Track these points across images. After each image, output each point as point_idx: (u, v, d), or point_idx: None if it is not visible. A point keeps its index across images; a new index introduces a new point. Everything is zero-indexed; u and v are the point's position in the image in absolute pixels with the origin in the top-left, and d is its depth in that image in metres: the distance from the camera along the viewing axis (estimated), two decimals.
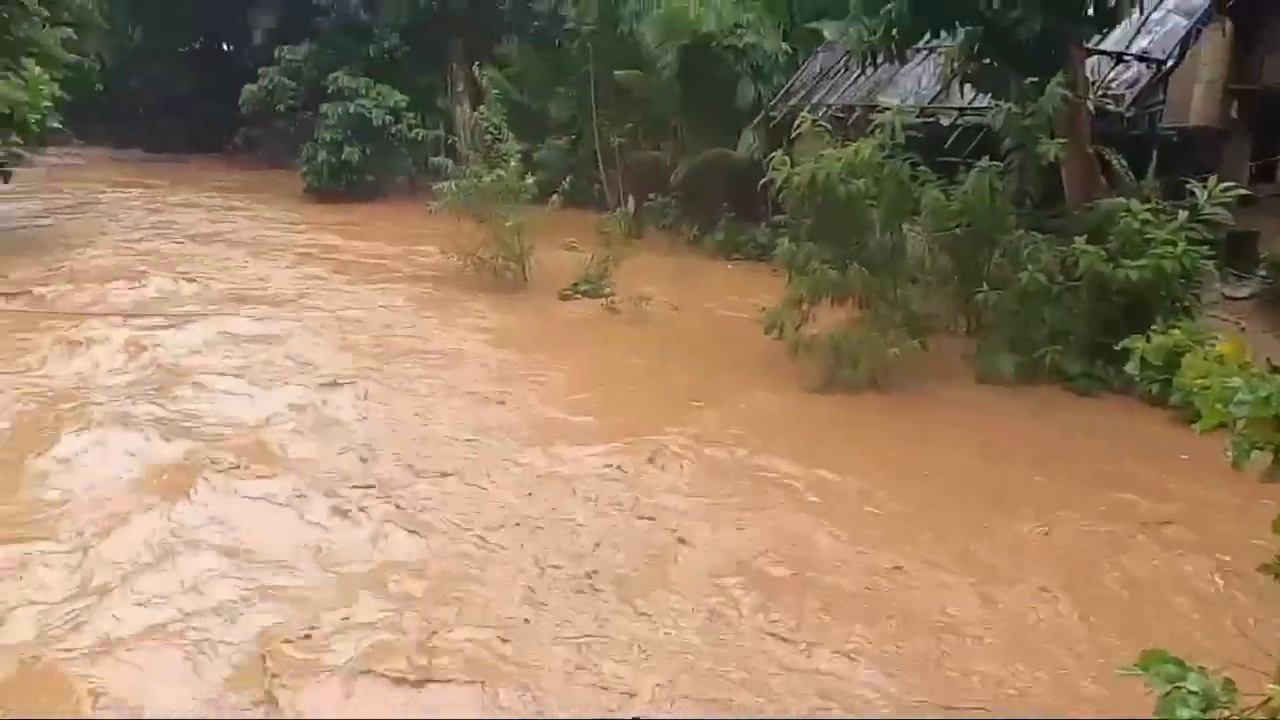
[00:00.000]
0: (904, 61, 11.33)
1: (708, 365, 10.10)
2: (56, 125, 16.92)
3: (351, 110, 21.11)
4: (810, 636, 5.14)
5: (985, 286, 9.34)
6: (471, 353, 10.60)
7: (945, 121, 12.58)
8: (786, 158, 9.52)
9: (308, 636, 4.97)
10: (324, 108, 21.42)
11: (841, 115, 13.95)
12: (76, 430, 7.53)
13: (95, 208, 20.79)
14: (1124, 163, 10.54)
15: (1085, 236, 8.86)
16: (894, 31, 10.05)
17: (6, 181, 17.11)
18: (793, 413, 8.70)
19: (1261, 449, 2.89)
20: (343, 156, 21.16)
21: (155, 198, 21.92)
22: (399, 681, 4.67)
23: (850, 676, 4.82)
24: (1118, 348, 4.07)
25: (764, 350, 9.85)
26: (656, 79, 16.89)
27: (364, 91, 21.30)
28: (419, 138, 20.83)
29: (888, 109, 10.60)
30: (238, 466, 6.99)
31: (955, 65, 11.05)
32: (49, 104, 16.34)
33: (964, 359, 9.71)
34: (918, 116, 12.26)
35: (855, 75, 14.26)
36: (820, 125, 9.88)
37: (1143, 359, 3.79)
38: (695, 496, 6.86)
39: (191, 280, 13.48)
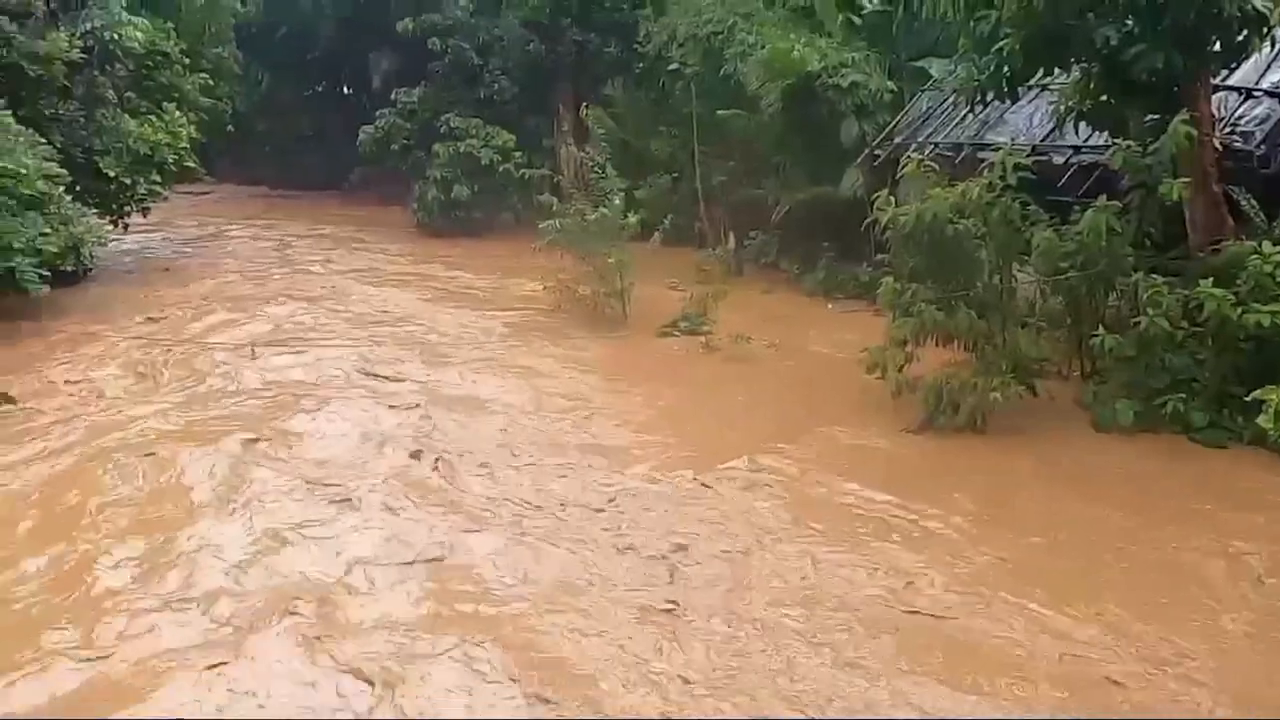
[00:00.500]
0: (1015, 100, 11.07)
1: (805, 402, 10.04)
2: (191, 164, 18.09)
3: (461, 150, 21.88)
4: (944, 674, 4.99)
5: (1101, 330, 8.96)
6: (564, 379, 10.93)
7: (1058, 160, 12.19)
8: (891, 197, 9.41)
9: None
10: (436, 147, 22.28)
11: (949, 154, 13.69)
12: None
13: (225, 240, 22.10)
14: (1254, 203, 9.99)
15: (1211, 279, 8.43)
16: (1005, 70, 9.86)
17: (145, 216, 18.36)
18: (891, 451, 8.59)
19: None
20: (452, 194, 21.92)
21: (279, 231, 23.18)
22: None
23: None
24: (1248, 399, 3.84)
25: (864, 390, 9.69)
26: (759, 118, 16.97)
27: (474, 132, 22.06)
28: (525, 176, 21.38)
29: (997, 148, 10.40)
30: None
31: (1070, 103, 10.73)
32: (185, 145, 17.49)
33: (1078, 405, 9.33)
34: (1029, 155, 11.95)
35: (963, 114, 13.99)
36: (927, 164, 9.73)
37: (1277, 412, 3.60)
38: (789, 526, 6.84)
39: (317, 305, 14.24)
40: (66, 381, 10.83)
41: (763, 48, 16.21)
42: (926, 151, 13.30)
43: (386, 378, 11.08)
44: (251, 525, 7.01)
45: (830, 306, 14.96)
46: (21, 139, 12.03)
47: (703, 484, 7.77)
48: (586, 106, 20.79)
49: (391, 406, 9.89)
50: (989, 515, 7.23)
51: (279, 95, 29.91)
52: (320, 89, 31.96)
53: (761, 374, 11.35)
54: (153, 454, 8.35)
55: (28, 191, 11.87)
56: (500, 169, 21.79)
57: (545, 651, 5.38)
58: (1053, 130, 12.67)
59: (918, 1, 10.32)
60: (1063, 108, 11.35)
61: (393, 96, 24.03)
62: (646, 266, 14.50)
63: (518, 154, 22.07)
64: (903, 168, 9.91)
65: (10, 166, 11.55)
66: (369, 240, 21.82)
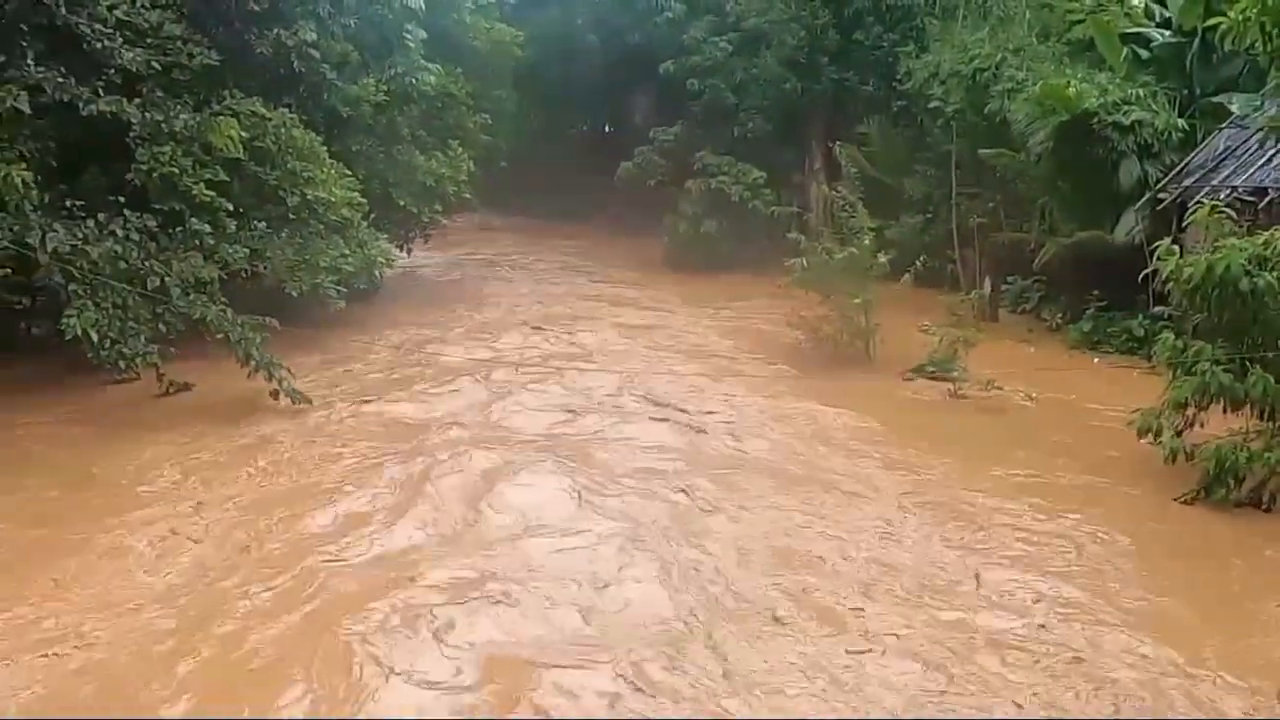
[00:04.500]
0: None
1: (1064, 461, 9.27)
2: (468, 196, 19.79)
3: (712, 186, 22.38)
4: None
5: None
6: (799, 415, 10.91)
7: None
8: (1176, 245, 8.59)
9: None
10: (688, 183, 22.93)
11: (1250, 199, 12.32)
12: None
13: (494, 265, 23.98)
14: None
15: None
16: None
17: (426, 241, 20.26)
18: (1157, 522, 7.83)
19: None
20: (701, 229, 22.45)
21: (542, 260, 24.81)
22: None
23: None
24: None
25: (1132, 453, 8.86)
26: (1025, 158, 16.09)
27: (725, 169, 22.51)
28: (774, 213, 21.49)
29: None
30: None
31: None
32: (464, 178, 19.15)
33: None
34: None
35: (1271, 154, 12.54)
36: (1221, 210, 8.79)
37: None
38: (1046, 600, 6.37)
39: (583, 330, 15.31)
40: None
41: (1034, 84, 15.39)
42: (1222, 196, 12.03)
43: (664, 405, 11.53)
44: None
45: (1096, 360, 13.82)
46: (333, 171, 13.65)
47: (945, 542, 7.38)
48: (839, 144, 20.63)
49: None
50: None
51: (548, 133, 31.99)
52: (585, 127, 33.87)
53: (1014, 427, 10.66)
54: None
55: (334, 218, 13.44)
56: (750, 205, 22.05)
57: None
58: None
59: (1220, 31, 9.38)
60: None
61: (651, 134, 25.02)
62: (895, 308, 14.08)
63: (767, 191, 22.25)
64: (1192, 212, 9.02)
65: (323, 195, 13.13)
66: (619, 273, 22.77)
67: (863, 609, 6.22)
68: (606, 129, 34.13)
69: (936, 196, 19.42)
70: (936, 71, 18.23)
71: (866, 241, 13.55)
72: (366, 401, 11.46)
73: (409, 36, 17.14)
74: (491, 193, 29.56)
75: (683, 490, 8.41)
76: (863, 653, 5.66)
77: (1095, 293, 14.82)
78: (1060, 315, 15.58)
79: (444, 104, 19.16)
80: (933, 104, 18.37)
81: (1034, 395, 11.66)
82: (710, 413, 11.08)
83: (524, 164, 31.99)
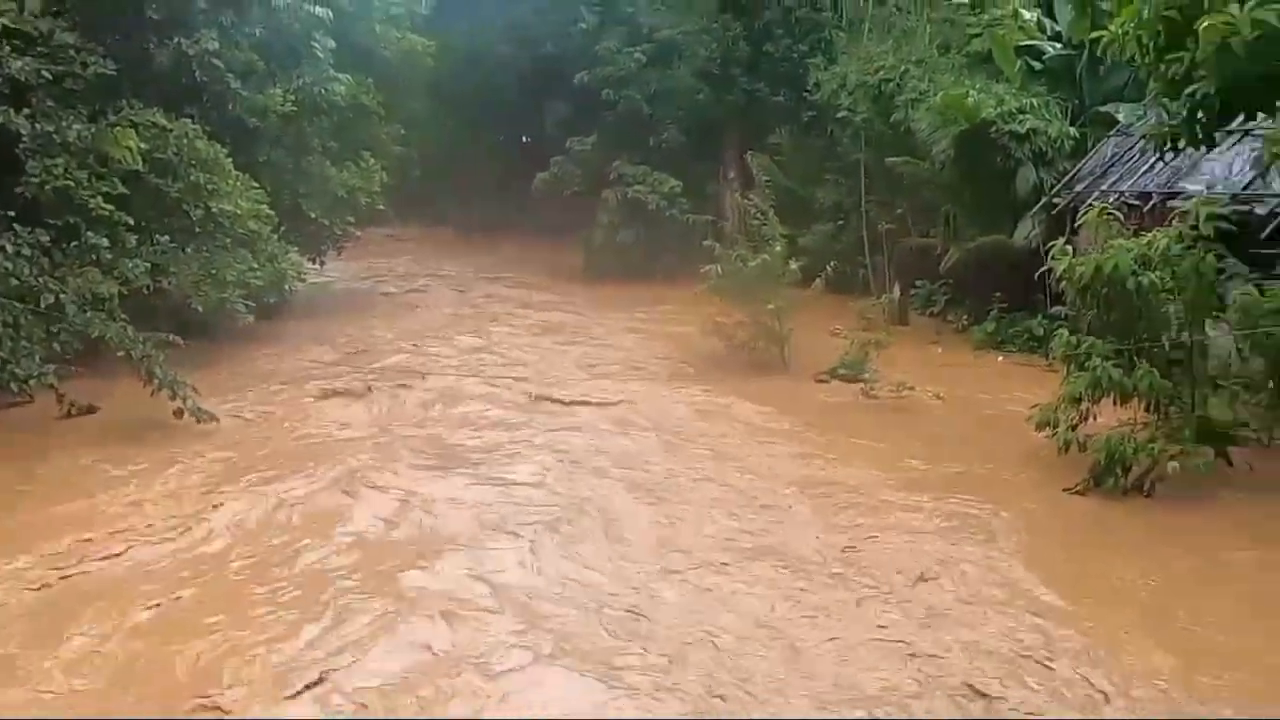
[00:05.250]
0: (1211, 146, 10.38)
1: (967, 455, 9.67)
2: (381, 207, 19.52)
3: (629, 195, 22.53)
4: None
5: None
6: (716, 412, 11.20)
7: (1261, 211, 11.31)
8: (1068, 246, 9.01)
9: None
10: (605, 193, 23.03)
11: (1135, 203, 12.95)
12: None
13: (411, 277, 23.69)
14: None
15: None
16: (1199, 115, 9.27)
17: (339, 254, 19.90)
18: (1048, 510, 8.21)
19: None
20: (619, 238, 22.58)
21: (460, 271, 24.58)
22: None
23: None
24: None
25: (1031, 447, 9.25)
26: (929, 166, 16.63)
27: (642, 179, 22.69)
28: (690, 222, 21.75)
29: (1190, 197, 9.78)
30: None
31: (1275, 149, 9.96)
32: (378, 189, 18.89)
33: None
34: (1227, 205, 11.16)
35: (1152, 161, 13.22)
36: (1109, 213, 9.25)
37: None
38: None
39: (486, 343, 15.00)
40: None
41: (935, 95, 15.94)
42: (1111, 200, 12.63)
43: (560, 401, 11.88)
44: None
45: (1000, 359, 14.36)
46: (239, 183, 13.31)
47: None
48: (752, 153, 21.00)
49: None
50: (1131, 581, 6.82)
51: (465, 143, 31.72)
52: (502, 138, 33.69)
53: (920, 425, 11.02)
54: None
55: (241, 230, 13.11)
56: (667, 214, 22.26)
57: None
58: (1256, 178, 11.82)
59: (1103, 45, 9.84)
60: (1267, 154, 10.58)
61: (567, 144, 25.06)
62: (808, 313, 14.40)
63: (684, 200, 22.50)
64: (1082, 216, 9.46)
65: (228, 208, 12.79)
66: (538, 283, 22.73)
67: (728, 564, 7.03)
68: (524, 139, 33.96)
69: (847, 204, 19.90)
70: (844, 83, 18.73)
71: (779, 249, 13.83)
72: (275, 417, 11.20)
73: (317, 46, 16.85)
74: (408, 204, 29.15)
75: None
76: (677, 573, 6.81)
77: (998, 294, 15.38)
78: (966, 317, 16.13)
79: (355, 114, 18.85)
80: (841, 114, 18.86)
81: (941, 394, 12.05)
82: (632, 420, 11.19)
83: (441, 175, 31.65)
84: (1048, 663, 5.57)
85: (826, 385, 12.81)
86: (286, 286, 15.39)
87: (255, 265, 13.30)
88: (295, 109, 16.19)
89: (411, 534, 7.77)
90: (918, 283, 17.52)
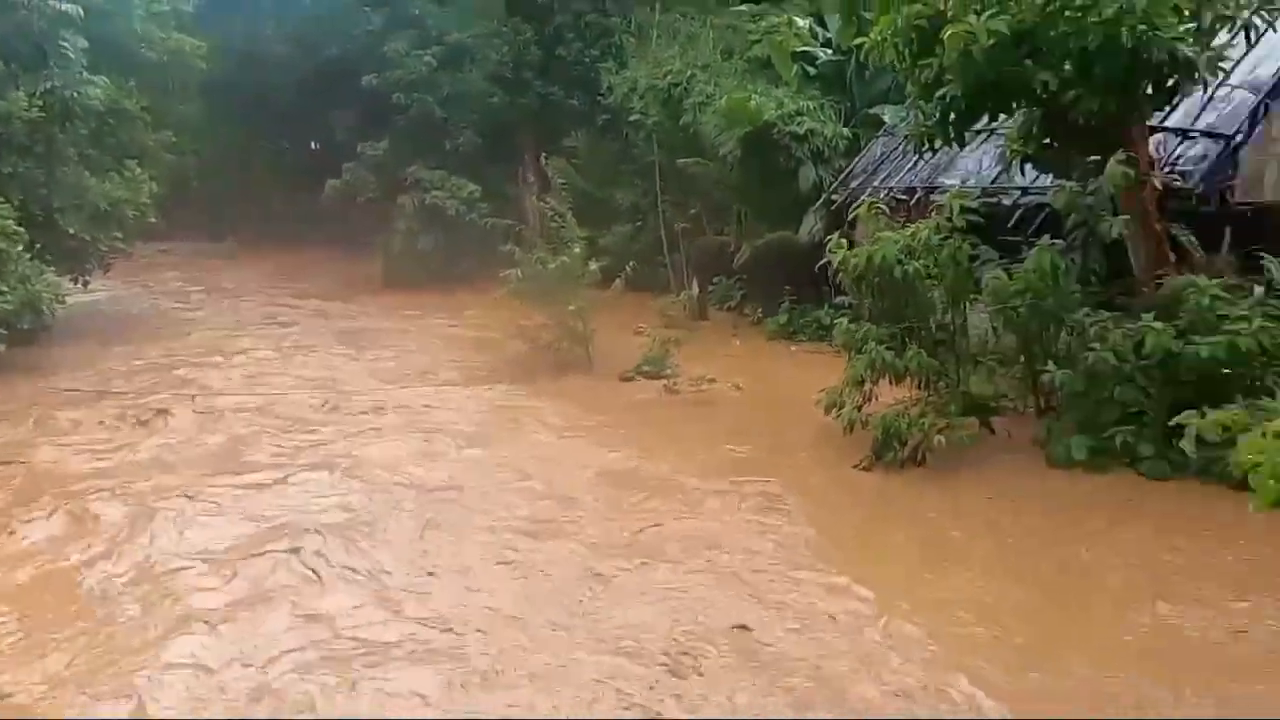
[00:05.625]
0: (962, 144, 11.35)
1: (763, 441, 10.15)
2: (153, 220, 18.08)
3: (426, 201, 22.06)
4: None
5: (1052, 366, 9.13)
6: (526, 426, 10.98)
7: (1007, 202, 12.51)
8: (844, 240, 9.61)
9: None
10: (401, 199, 22.44)
11: (903, 198, 14.00)
12: None
13: (189, 294, 22.02)
14: (1194, 239, 10.28)
15: (1153, 314, 8.63)
16: (950, 116, 10.12)
17: (106, 272, 18.26)
18: (835, 486, 8.81)
19: None
20: (418, 245, 22.06)
21: (245, 285, 23.13)
22: None
23: None
24: (1170, 424, 3.94)
25: (822, 429, 9.81)
26: (719, 166, 17.27)
27: (439, 184, 22.27)
28: (489, 226, 21.53)
29: (948, 191, 10.64)
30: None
31: (1015, 146, 11.02)
32: (147, 201, 17.49)
33: (1033, 443, 9.44)
34: (979, 197, 12.24)
35: (915, 159, 14.33)
36: (877, 208, 9.95)
37: (1196, 437, 3.69)
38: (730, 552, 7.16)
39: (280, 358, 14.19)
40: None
41: (720, 98, 16.58)
42: (881, 195, 13.58)
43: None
44: None
45: (793, 349, 15.11)
46: None
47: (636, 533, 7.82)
48: (548, 156, 21.07)
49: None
50: (904, 545, 7.56)
51: (248, 151, 30.03)
52: (288, 145, 32.11)
53: (721, 415, 11.44)
54: None
55: None
56: (466, 219, 21.95)
57: None
58: (1001, 173, 13.02)
59: (864, 51, 10.56)
60: (1009, 151, 11.69)
61: (358, 149, 24.21)
62: (611, 313, 14.63)
63: (483, 204, 22.27)
64: (853, 211, 10.12)
65: None
66: (329, 290, 21.85)
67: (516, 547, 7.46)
68: (313, 145, 32.53)
69: (644, 205, 20.36)
70: (635, 86, 19.15)
71: (578, 250, 13.95)
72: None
73: (67, 45, 15.44)
74: (187, 216, 27.27)
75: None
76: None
77: (788, 288, 16.19)
78: (760, 310, 16.88)
79: (116, 120, 17.40)
80: (634, 117, 19.28)
81: (740, 385, 12.53)
82: (431, 423, 10.97)
83: (224, 184, 29.80)
84: (815, 604, 6.35)
85: (632, 383, 13.04)
86: (44, 310, 13.99)
87: (4, 288, 12.02)
88: (43, 114, 14.75)
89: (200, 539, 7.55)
90: (715, 279, 18.15)
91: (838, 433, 9.43)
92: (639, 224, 20.49)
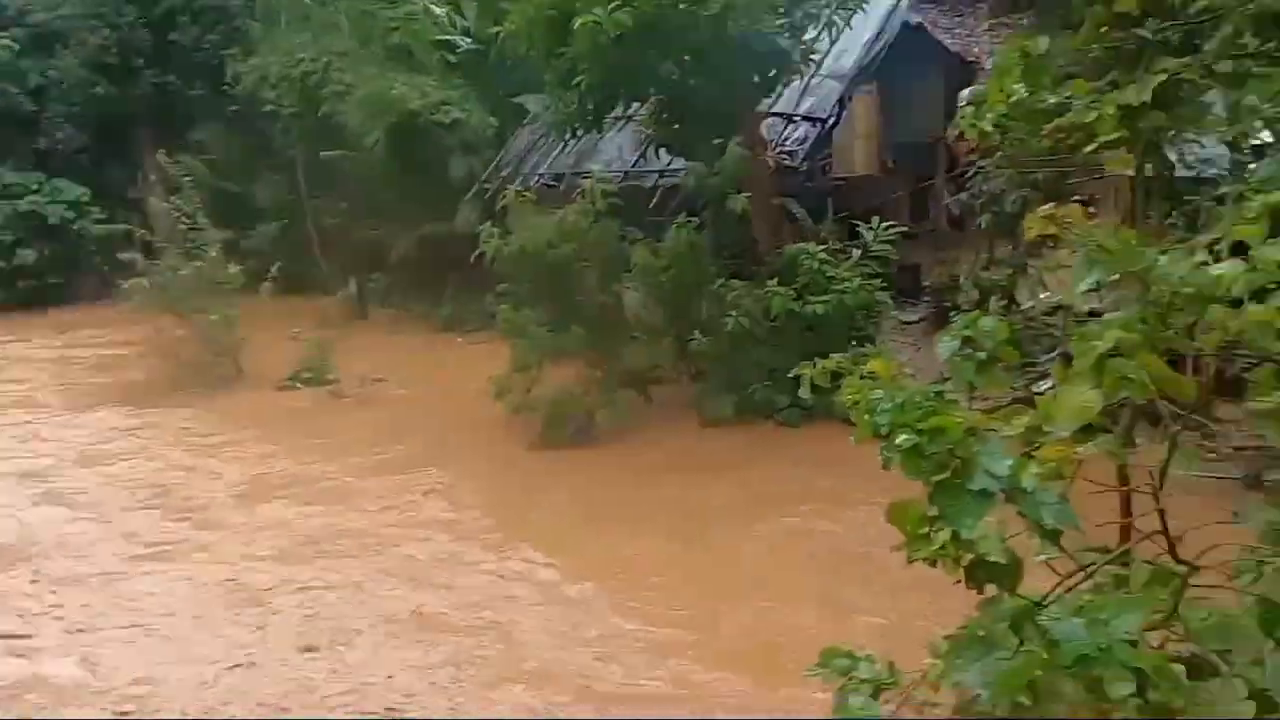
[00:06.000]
0: (601, 131, 11.90)
1: (434, 435, 10.08)
2: None
3: (22, 209, 19.05)
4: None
5: (697, 334, 9.89)
6: (170, 457, 9.90)
7: (648, 184, 13.31)
8: (495, 229, 9.70)
9: None
10: None
11: (553, 184, 14.39)
12: None
13: None
14: (803, 211, 11.63)
15: (776, 280, 9.65)
16: (587, 104, 10.55)
17: None
18: (506, 469, 9.00)
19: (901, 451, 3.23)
20: (15, 260, 19.00)
21: None
22: None
23: None
24: (790, 375, 4.39)
25: (494, 416, 9.88)
26: (367, 158, 16.64)
27: (35, 187, 19.31)
28: (106, 233, 19.11)
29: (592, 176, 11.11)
30: None
31: (649, 131, 11.77)
32: None
33: (689, 406, 10.19)
34: (622, 181, 12.92)
35: (561, 146, 14.80)
36: (524, 195, 10.14)
37: (810, 384, 4.17)
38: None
39: None
40: None
41: (361, 87, 15.95)
42: (533, 182, 13.87)
43: None
44: None
45: (459, 340, 15.02)
46: None
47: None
48: (169, 152, 19.07)
49: None
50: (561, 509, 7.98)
51: None
52: None
53: (390, 415, 11.11)
54: None
55: None
56: (75, 227, 19.26)
57: None
58: (640, 157, 13.84)
59: (499, 40, 10.70)
60: (644, 136, 12.46)
61: None
62: (261, 319, 13.58)
63: (95, 209, 19.66)
64: (502, 200, 10.24)
65: None
66: None
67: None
68: None
69: (289, 201, 19.12)
70: (266, 75, 17.84)
71: (214, 254, 12.79)
72: None
73: None
74: None
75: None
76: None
77: (451, 279, 16.01)
78: (424, 304, 16.55)
79: None
80: (268, 108, 17.98)
81: (409, 382, 12.26)
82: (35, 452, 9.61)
83: None
84: (494, 581, 6.59)
85: (291, 391, 12.23)
86: None
87: None
88: None
89: None
90: (374, 276, 17.53)
91: (508, 418, 9.55)
92: (285, 222, 19.19)
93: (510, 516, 7.83)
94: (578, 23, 9.40)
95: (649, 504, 7.89)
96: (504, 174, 15.44)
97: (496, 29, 13.04)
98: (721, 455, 8.85)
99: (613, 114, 11.67)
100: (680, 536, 7.14)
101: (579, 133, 11.66)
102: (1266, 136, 5.25)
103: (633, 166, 13.81)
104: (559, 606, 6.16)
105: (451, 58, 17.23)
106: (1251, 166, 5.97)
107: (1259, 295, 2.64)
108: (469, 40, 17.84)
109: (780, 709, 4.83)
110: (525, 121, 16.41)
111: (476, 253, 10.04)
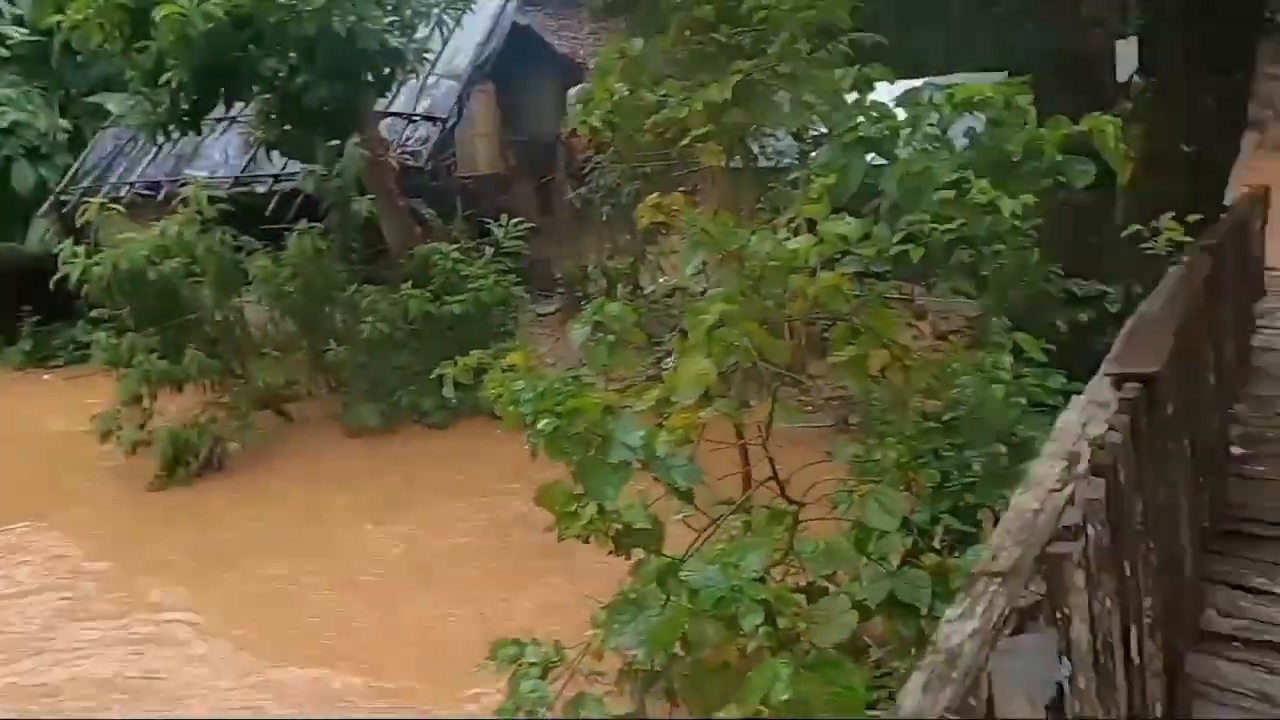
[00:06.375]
0: (199, 132, 10.90)
1: (34, 485, 8.65)
2: None
3: None
4: None
5: (333, 344, 9.44)
6: None
7: (261, 190, 12.40)
8: (79, 247, 8.49)
9: None
10: None
11: (148, 194, 12.89)
12: None
13: None
14: (432, 212, 11.53)
15: (411, 282, 9.48)
16: (181, 102, 9.57)
17: None
18: (126, 514, 8.08)
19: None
20: None
21: None
22: None
23: None
24: (432, 376, 4.37)
25: (102, 456, 8.70)
26: None
27: None
28: None
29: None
30: None
31: (258, 133, 10.94)
32: None
33: (331, 419, 9.68)
34: (233, 187, 11.94)
35: (154, 151, 13.28)
36: (111, 207, 8.99)
37: (454, 383, 4.15)
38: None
39: None
40: None
41: None
42: (122, 193, 12.37)
43: None
44: None
45: (48, 377, 13.00)
46: None
47: None
48: None
49: None
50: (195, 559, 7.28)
51: None
52: None
53: None
54: None
55: None
56: None
57: None
58: (250, 160, 12.85)
59: (64, 31, 9.35)
60: (252, 138, 11.57)
61: None
62: None
63: None
64: (84, 214, 9.01)
65: None
66: None
67: None
68: None
69: None
70: None
71: None
72: None
73: None
74: None
75: None
76: None
77: (27, 308, 13.76)
78: None
79: None
80: None
81: None
82: None
83: None
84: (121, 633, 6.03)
85: None
86: None
87: None
88: None
89: None
90: None
91: (121, 458, 8.45)
92: None
93: (136, 564, 7.02)
94: (160, 14, 8.51)
95: (282, 531, 7.43)
96: (85, 184, 13.52)
97: (58, 18, 11.38)
98: (363, 465, 8.52)
99: (213, 114, 10.73)
100: (312, 557, 6.87)
101: (174, 135, 10.50)
102: (823, 128, 6.10)
103: (243, 171, 12.77)
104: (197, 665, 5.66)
105: (3, 51, 14.77)
106: (813, 155, 6.89)
107: (829, 264, 3.10)
108: (23, 30, 15.40)
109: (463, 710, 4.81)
110: (107, 124, 14.49)
111: (58, 276, 8.72)
